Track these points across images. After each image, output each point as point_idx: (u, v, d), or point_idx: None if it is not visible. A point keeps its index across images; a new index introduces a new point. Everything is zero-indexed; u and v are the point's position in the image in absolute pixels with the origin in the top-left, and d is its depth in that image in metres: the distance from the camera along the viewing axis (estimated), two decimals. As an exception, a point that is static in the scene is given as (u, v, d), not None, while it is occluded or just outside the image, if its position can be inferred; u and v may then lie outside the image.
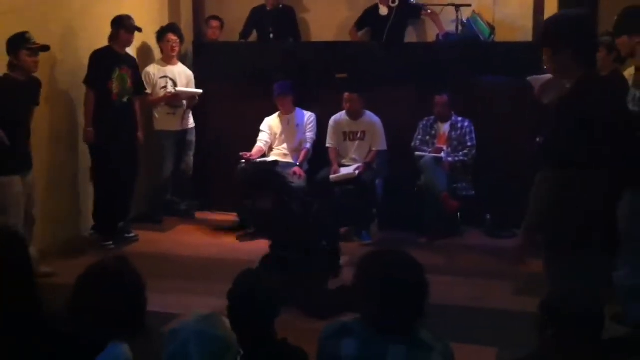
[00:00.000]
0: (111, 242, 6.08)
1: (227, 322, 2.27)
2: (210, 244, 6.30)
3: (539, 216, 3.09)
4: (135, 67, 6.39)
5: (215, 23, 7.59)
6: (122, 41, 6.15)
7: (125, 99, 6.18)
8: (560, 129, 3.08)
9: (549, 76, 5.46)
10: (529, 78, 5.48)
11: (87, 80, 6.03)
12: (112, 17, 6.16)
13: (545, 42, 3.19)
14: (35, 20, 5.51)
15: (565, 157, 3.03)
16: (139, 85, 6.43)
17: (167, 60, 6.91)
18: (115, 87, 6.08)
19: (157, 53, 7.09)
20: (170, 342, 2.19)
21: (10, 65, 5.15)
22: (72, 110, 6.24)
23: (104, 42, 6.15)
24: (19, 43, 5.10)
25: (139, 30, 6.25)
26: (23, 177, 5.22)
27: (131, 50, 6.54)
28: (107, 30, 6.15)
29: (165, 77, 6.86)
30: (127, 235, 6.36)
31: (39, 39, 5.21)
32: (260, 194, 6.30)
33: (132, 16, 6.22)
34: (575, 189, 3.02)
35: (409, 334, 2.35)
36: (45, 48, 5.27)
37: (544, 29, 3.24)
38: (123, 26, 6.09)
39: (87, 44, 6.19)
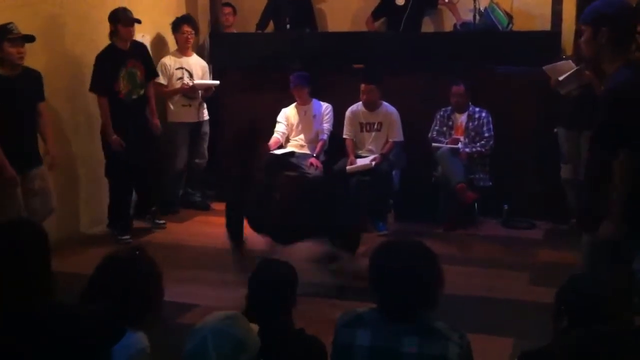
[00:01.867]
0: (128, 237, 6.08)
1: (249, 324, 2.31)
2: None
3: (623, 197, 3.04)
4: (144, 54, 6.26)
5: (227, 9, 7.61)
6: (122, 36, 5.98)
7: (136, 95, 6.09)
8: (618, 112, 3.03)
9: (565, 63, 5.46)
10: (544, 67, 5.49)
11: (92, 87, 5.93)
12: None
13: (588, 22, 3.14)
14: (50, 13, 5.51)
15: (632, 138, 3.00)
16: (150, 70, 6.31)
17: (182, 52, 6.91)
18: (123, 86, 5.99)
19: (171, 45, 7.08)
20: (190, 340, 2.23)
21: None
22: (88, 103, 6.25)
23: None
24: (0, 35, 4.90)
25: (138, 21, 6.06)
26: (23, 175, 5.09)
27: (146, 42, 6.50)
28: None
29: (182, 68, 6.85)
30: (157, 221, 6.47)
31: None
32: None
33: (147, 8, 6.19)
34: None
35: (423, 324, 2.36)
36: (29, 38, 5.04)
37: (588, 7, 3.20)
38: (119, 20, 5.93)
39: (103, 37, 6.20)
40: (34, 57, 5.27)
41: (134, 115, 6.10)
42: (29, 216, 5.01)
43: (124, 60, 6.01)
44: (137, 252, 2.63)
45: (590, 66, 3.44)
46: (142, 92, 6.14)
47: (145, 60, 6.25)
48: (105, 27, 6.13)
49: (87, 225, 6.39)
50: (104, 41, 6.12)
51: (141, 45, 6.35)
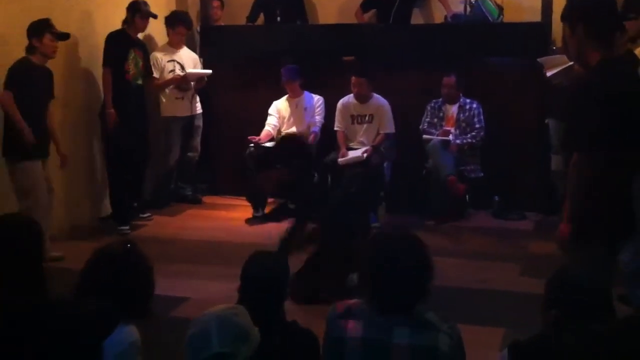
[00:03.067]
0: (128, 227, 6.12)
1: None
2: (219, 227, 6.32)
3: (576, 202, 3.02)
4: (146, 52, 6.44)
5: (215, 3, 7.59)
6: (137, 26, 6.21)
7: (139, 82, 6.25)
8: (584, 112, 2.97)
9: (560, 57, 5.45)
10: (539, 59, 5.48)
11: (106, 62, 6.08)
12: (119, 2, 6.16)
13: (565, 18, 3.12)
14: (39, 9, 5.50)
15: (593, 140, 2.94)
16: (148, 67, 6.49)
17: (174, 45, 6.90)
18: (131, 68, 6.15)
19: (159, 39, 7.04)
20: (193, 326, 2.24)
21: (30, 50, 5.20)
22: (86, 95, 6.27)
23: (113, 28, 6.14)
24: (44, 27, 5.18)
25: (154, 16, 6.27)
26: (43, 161, 5.31)
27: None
28: (117, 15, 6.15)
29: (173, 60, 6.83)
30: (141, 215, 6.47)
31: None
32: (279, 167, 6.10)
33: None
34: (605, 171, 2.95)
35: (414, 315, 2.37)
36: (66, 36, 5.38)
37: (566, 5, 3.17)
38: (139, 11, 6.13)
39: (92, 30, 6.20)
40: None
41: (138, 100, 6.25)
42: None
43: (132, 45, 6.19)
44: (128, 246, 2.63)
45: (579, 61, 3.43)
46: (142, 81, 6.30)
47: (145, 56, 6.41)
48: (93, 21, 6.21)
49: (85, 217, 6.37)
50: (93, 35, 6.12)
51: (144, 43, 6.51)
